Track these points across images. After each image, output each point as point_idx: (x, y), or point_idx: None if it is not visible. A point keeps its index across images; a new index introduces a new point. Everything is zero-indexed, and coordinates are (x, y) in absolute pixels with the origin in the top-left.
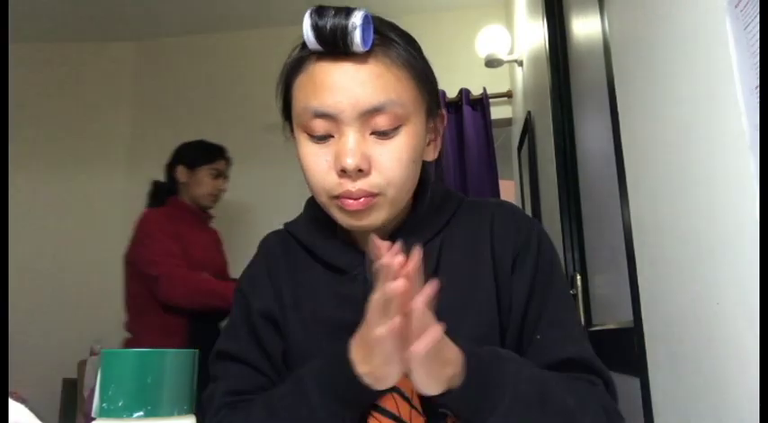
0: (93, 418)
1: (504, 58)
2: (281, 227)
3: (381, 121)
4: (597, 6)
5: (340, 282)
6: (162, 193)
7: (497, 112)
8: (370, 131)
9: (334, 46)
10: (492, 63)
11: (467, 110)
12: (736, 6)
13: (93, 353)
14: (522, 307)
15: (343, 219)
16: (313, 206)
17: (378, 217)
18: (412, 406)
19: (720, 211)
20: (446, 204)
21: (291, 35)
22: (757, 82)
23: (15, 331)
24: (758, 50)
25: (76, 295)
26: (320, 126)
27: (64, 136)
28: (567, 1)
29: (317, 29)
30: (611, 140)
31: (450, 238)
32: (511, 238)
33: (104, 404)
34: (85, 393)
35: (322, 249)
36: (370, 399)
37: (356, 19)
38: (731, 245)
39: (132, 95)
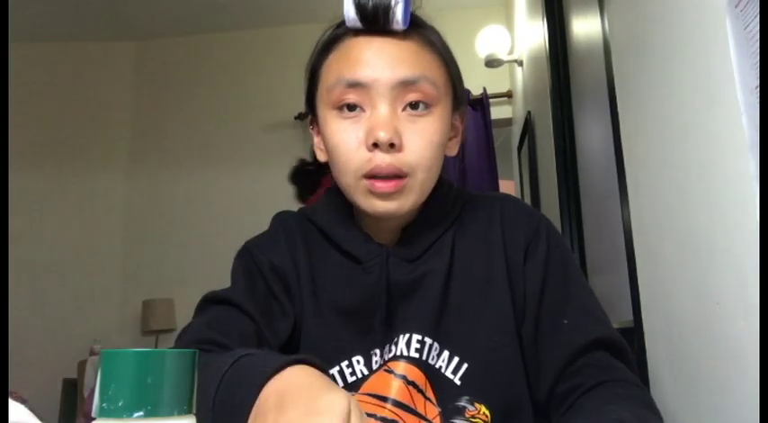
0: (94, 418)
1: (504, 58)
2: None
3: (415, 95)
4: (597, 6)
5: (355, 271)
6: (312, 176)
7: (497, 112)
8: (402, 107)
9: (374, 22)
10: (492, 63)
11: (467, 110)
12: (736, 6)
13: (93, 353)
14: (537, 294)
15: (369, 203)
16: (334, 194)
17: (406, 201)
18: (426, 397)
19: (720, 211)
20: (456, 198)
21: (292, 35)
22: (757, 82)
23: (15, 331)
24: (758, 50)
25: (76, 295)
26: (352, 97)
27: (64, 136)
28: (567, 1)
29: (359, 5)
30: (611, 140)
31: (461, 230)
32: (521, 227)
33: (104, 404)
34: (85, 393)
35: (341, 237)
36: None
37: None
38: (731, 245)
39: (132, 95)
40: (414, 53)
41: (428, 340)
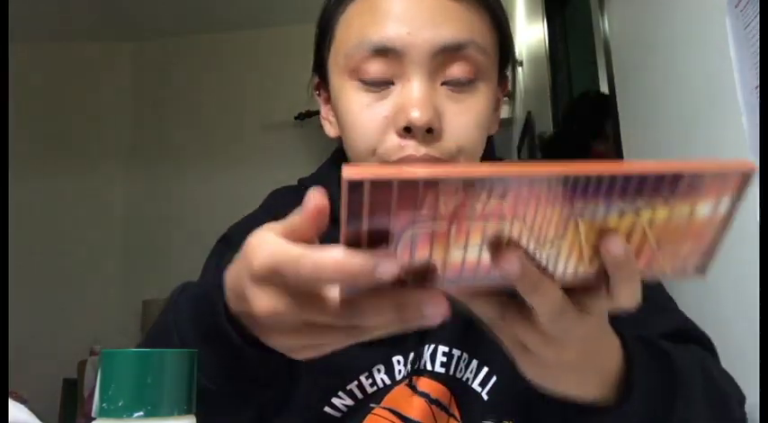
0: (94, 418)
1: None
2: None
3: (459, 68)
4: (597, 6)
5: None
6: None
7: None
8: (441, 81)
9: None
10: None
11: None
12: (736, 6)
13: (93, 353)
14: None
15: None
16: (340, 157)
17: None
18: (450, 414)
19: None
20: None
21: (292, 35)
22: (757, 82)
23: (15, 331)
24: (758, 50)
25: (77, 295)
26: (377, 67)
27: (63, 136)
28: (567, 1)
29: None
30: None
31: None
32: None
33: (104, 404)
34: (85, 393)
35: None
36: (250, 358)
37: None
38: (731, 245)
39: (132, 95)
40: (460, 11)
41: (456, 352)
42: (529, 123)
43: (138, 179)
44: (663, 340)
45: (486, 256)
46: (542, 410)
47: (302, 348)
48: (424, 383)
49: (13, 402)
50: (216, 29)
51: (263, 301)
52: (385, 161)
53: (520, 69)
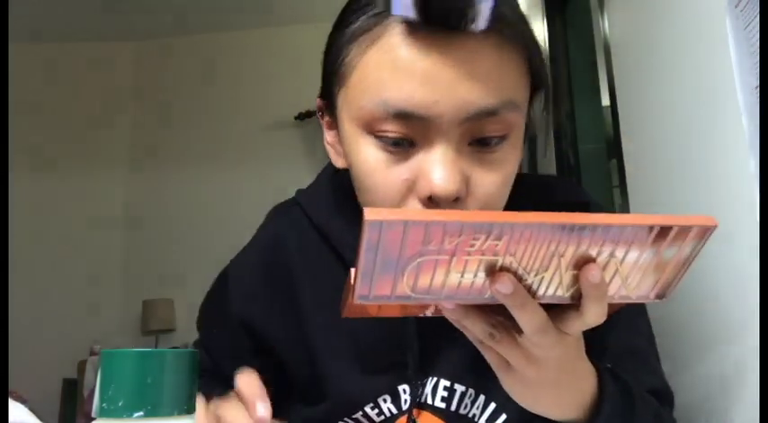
0: (94, 418)
1: None
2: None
3: (490, 129)
4: (597, 6)
5: None
6: None
7: None
8: (469, 141)
9: (443, 21)
10: None
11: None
12: (736, 6)
13: (93, 353)
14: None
15: None
16: (336, 175)
17: None
18: None
19: (720, 210)
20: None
21: (293, 35)
22: (757, 82)
23: (15, 331)
24: (758, 50)
25: (76, 295)
26: (397, 128)
27: (64, 136)
28: (567, 1)
29: None
30: (611, 140)
31: None
32: None
33: (104, 404)
34: (85, 393)
35: (338, 240)
36: None
37: None
38: (731, 245)
39: (132, 95)
40: (495, 64)
41: (459, 387)
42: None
43: (138, 179)
44: (630, 378)
45: (480, 279)
46: None
47: None
48: (426, 418)
49: (13, 402)
50: (216, 29)
51: None
52: None
53: None
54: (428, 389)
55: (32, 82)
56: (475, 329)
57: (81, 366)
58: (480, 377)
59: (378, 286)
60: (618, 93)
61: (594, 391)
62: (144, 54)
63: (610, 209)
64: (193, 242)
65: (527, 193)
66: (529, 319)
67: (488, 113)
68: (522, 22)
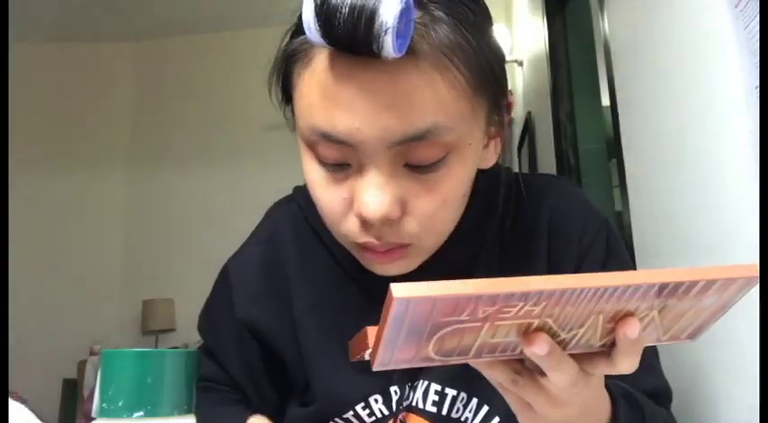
0: (93, 418)
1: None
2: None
3: (422, 154)
4: (597, 6)
5: (368, 301)
6: None
7: None
8: (404, 163)
9: (350, 46)
10: None
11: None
12: (736, 6)
13: (93, 353)
14: None
15: (365, 261)
16: None
17: (408, 265)
18: None
19: (720, 210)
20: (497, 199)
21: None
22: (757, 82)
23: (15, 331)
24: (758, 50)
25: (76, 295)
26: (330, 152)
27: (64, 136)
28: (567, 1)
29: (321, 14)
30: (611, 140)
31: (502, 246)
32: (574, 238)
33: (104, 404)
34: (85, 393)
35: (349, 263)
36: None
37: (390, 9)
38: (731, 245)
39: (132, 95)
40: (417, 91)
41: (450, 391)
42: (529, 123)
43: (138, 179)
44: (641, 395)
45: (511, 338)
46: None
47: None
48: (414, 421)
49: (13, 402)
50: (216, 29)
51: None
52: (351, 241)
53: (520, 69)
54: (419, 393)
55: (32, 82)
56: (498, 378)
57: (81, 366)
58: (472, 381)
59: (400, 352)
60: (618, 93)
61: (609, 415)
62: (144, 54)
63: (610, 209)
64: (193, 242)
65: (527, 197)
66: (562, 376)
67: (414, 139)
68: (461, 33)
